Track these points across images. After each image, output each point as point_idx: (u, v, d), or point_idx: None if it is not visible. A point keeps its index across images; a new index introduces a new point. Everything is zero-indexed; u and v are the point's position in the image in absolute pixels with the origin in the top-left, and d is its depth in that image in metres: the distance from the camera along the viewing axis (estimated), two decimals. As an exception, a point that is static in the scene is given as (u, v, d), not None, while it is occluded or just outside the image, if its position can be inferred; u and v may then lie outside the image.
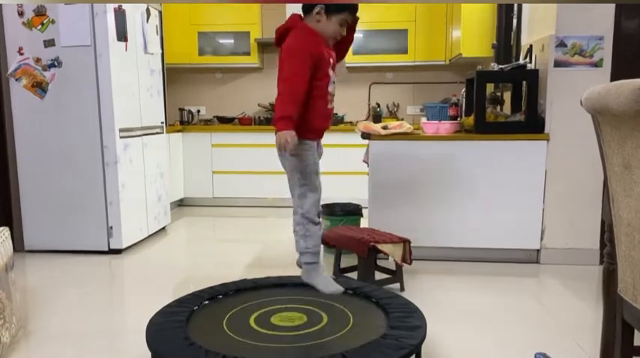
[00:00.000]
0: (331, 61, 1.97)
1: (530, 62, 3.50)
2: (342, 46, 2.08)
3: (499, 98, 3.76)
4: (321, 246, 2.05)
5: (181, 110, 5.74)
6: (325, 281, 2.05)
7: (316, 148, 2.03)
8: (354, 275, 2.97)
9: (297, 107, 1.86)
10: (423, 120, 4.20)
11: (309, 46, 1.87)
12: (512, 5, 3.74)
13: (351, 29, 2.07)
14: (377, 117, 5.41)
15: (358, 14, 2.03)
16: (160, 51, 4.33)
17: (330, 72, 1.96)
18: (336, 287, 2.04)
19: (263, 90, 5.82)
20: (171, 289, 3.00)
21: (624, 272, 1.43)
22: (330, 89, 1.98)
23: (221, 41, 5.69)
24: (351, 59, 5.40)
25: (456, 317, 2.53)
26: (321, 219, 2.06)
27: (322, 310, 2.19)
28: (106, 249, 3.67)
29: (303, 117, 1.92)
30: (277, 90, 1.89)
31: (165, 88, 4.72)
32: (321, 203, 2.04)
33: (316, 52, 1.88)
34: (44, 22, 3.50)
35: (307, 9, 1.94)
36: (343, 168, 4.98)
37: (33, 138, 3.63)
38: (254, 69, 5.82)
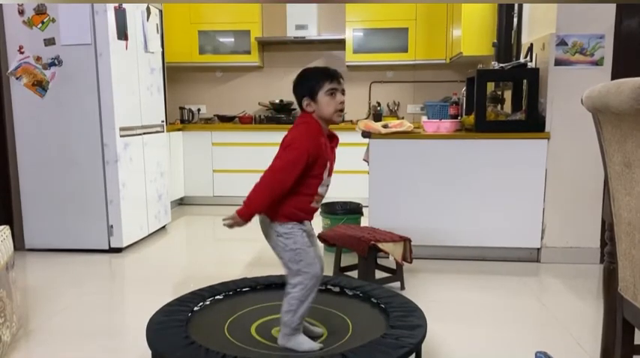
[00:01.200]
0: (328, 164, 1.90)
1: (531, 61, 3.49)
2: None
3: (499, 97, 3.76)
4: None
5: (182, 109, 5.74)
6: (300, 343, 1.92)
7: (301, 225, 1.93)
8: (354, 273, 2.97)
9: (269, 204, 1.83)
10: (424, 118, 4.20)
11: (308, 143, 1.81)
12: (513, 4, 3.73)
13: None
14: (377, 116, 5.41)
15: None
16: (161, 49, 4.33)
17: (325, 175, 1.89)
18: (311, 346, 1.92)
19: (263, 89, 5.82)
20: (171, 288, 3.00)
21: (625, 271, 1.43)
22: (320, 191, 1.90)
23: (221, 40, 5.69)
24: (351, 58, 5.40)
25: (457, 316, 2.53)
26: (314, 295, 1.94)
27: (322, 309, 2.19)
28: (107, 247, 3.67)
29: (282, 203, 1.86)
30: (263, 176, 1.83)
31: (166, 87, 4.72)
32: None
33: (314, 152, 1.81)
34: (44, 20, 3.50)
35: (300, 105, 1.90)
36: (343, 167, 4.93)
37: (33, 137, 3.63)
38: (254, 67, 5.81)
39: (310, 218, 1.98)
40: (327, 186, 1.95)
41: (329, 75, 1.87)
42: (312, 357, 1.81)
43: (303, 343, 1.91)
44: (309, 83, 1.88)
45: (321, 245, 3.27)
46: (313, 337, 1.99)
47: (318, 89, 1.86)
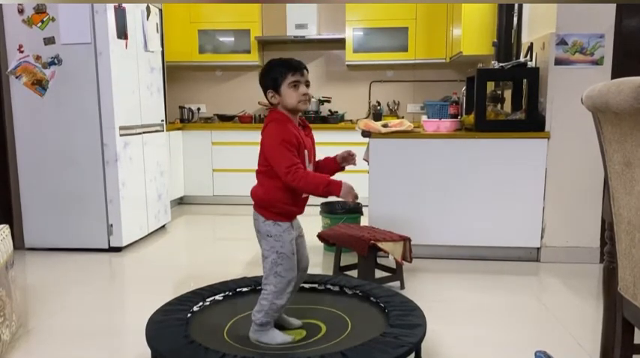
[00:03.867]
0: (307, 153, 1.92)
1: (531, 60, 3.49)
2: None
3: (500, 96, 3.76)
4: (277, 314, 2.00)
5: (181, 108, 5.74)
6: (273, 337, 1.96)
7: (291, 228, 1.97)
8: (354, 273, 2.97)
9: (320, 176, 1.87)
10: (424, 118, 4.20)
11: (283, 134, 1.85)
12: (513, 3, 3.73)
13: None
14: (377, 116, 5.41)
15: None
16: (160, 49, 4.33)
17: (307, 163, 1.92)
18: (283, 339, 1.97)
19: (263, 89, 5.81)
20: (171, 287, 3.00)
21: (624, 271, 1.42)
22: None
23: (221, 39, 5.68)
24: (351, 57, 5.40)
25: (456, 316, 2.53)
26: (286, 302, 1.98)
27: (322, 308, 2.19)
28: (106, 246, 3.67)
29: (273, 199, 1.91)
30: (289, 180, 1.83)
31: (166, 86, 4.72)
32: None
33: (293, 140, 1.85)
34: (44, 19, 3.50)
35: (266, 96, 1.94)
36: (343, 167, 4.98)
37: (33, 136, 3.63)
38: (254, 67, 5.81)
39: (301, 211, 2.01)
40: None
41: (292, 67, 1.88)
42: (311, 356, 1.81)
43: (276, 337, 1.96)
44: (272, 75, 1.89)
45: (320, 244, 3.29)
46: (290, 329, 2.05)
47: (281, 81, 1.87)
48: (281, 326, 2.05)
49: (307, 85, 1.91)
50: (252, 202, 1.96)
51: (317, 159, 2.06)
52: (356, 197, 1.84)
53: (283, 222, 1.92)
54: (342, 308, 2.23)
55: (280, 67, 1.89)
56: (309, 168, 1.95)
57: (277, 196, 1.90)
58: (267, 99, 1.93)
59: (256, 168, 1.99)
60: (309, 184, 1.83)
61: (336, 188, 1.83)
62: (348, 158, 2.07)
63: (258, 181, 1.96)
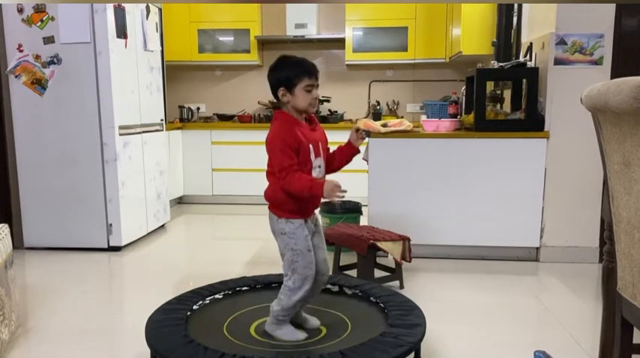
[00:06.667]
0: (311, 147, 1.90)
1: (531, 60, 3.49)
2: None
3: (499, 96, 3.76)
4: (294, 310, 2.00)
5: (181, 107, 5.74)
6: (283, 334, 1.97)
7: (305, 224, 1.97)
8: (353, 272, 2.97)
9: (305, 180, 1.86)
10: (423, 118, 4.21)
11: (283, 134, 1.86)
12: (513, 3, 3.73)
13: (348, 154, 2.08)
14: (377, 115, 5.41)
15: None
16: (160, 48, 4.32)
17: (312, 157, 1.91)
18: (292, 336, 1.98)
19: (263, 88, 5.77)
20: (170, 286, 3.00)
21: (624, 271, 1.42)
22: (314, 174, 1.94)
23: (221, 39, 5.68)
24: (351, 57, 5.40)
25: (456, 315, 2.54)
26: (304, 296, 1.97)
27: (321, 308, 2.19)
28: (106, 246, 3.67)
29: (281, 198, 1.91)
30: (281, 185, 1.86)
31: (165, 86, 4.71)
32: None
33: (292, 141, 1.85)
34: (44, 18, 3.49)
35: (275, 95, 1.93)
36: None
37: (33, 135, 3.62)
38: (254, 66, 5.81)
39: (314, 205, 2.01)
40: (320, 166, 1.98)
41: (309, 72, 1.88)
42: (310, 354, 1.81)
43: (286, 334, 1.97)
44: (288, 74, 1.88)
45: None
46: (308, 328, 2.05)
47: (297, 82, 1.87)
48: (299, 324, 2.05)
49: (317, 87, 1.92)
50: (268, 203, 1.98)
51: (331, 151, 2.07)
52: (340, 195, 1.84)
53: (296, 219, 1.93)
54: (342, 309, 2.22)
55: (297, 68, 1.88)
56: (317, 161, 1.94)
57: (283, 195, 1.90)
58: (277, 96, 1.91)
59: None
60: (296, 189, 1.85)
61: (318, 189, 1.83)
62: (358, 135, 2.07)
63: (268, 181, 1.97)
